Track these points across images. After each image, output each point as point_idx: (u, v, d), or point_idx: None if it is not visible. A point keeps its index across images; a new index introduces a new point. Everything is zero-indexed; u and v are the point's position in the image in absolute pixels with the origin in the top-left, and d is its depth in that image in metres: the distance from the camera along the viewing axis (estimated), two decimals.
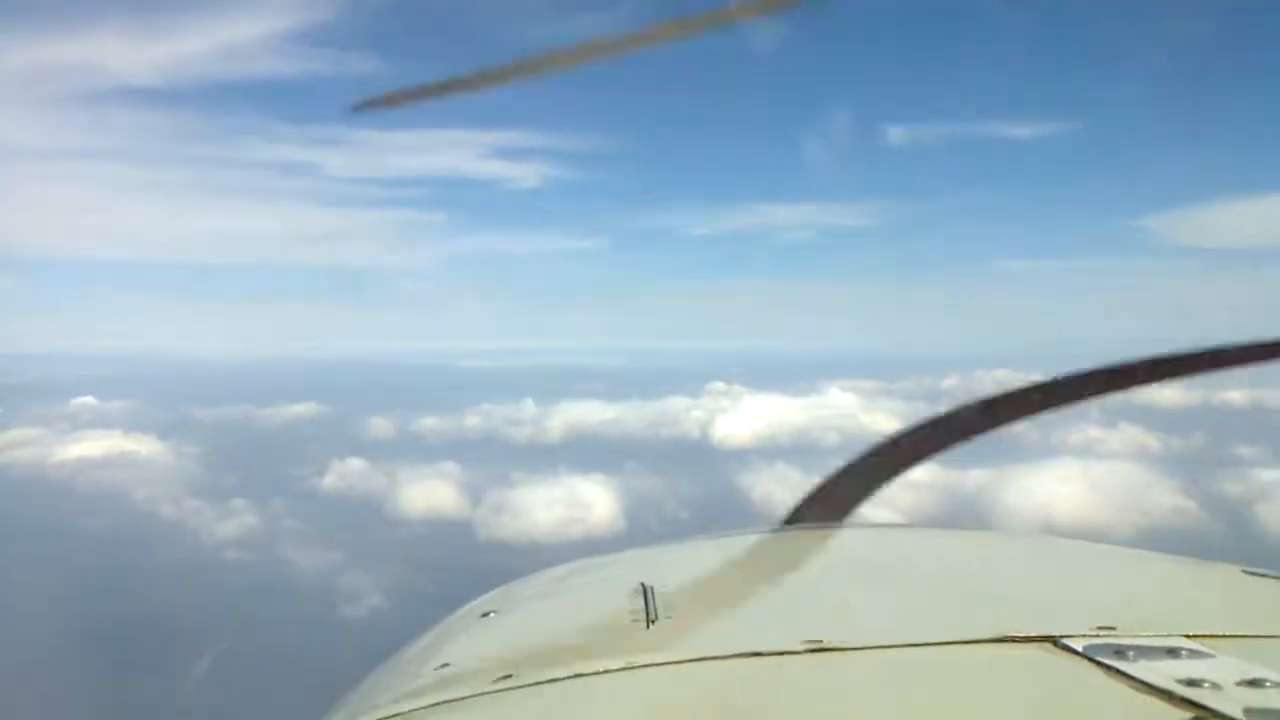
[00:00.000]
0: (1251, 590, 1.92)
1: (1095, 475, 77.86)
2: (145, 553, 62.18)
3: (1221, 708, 1.16)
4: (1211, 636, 1.44)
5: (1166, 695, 1.22)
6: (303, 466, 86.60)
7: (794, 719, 1.27)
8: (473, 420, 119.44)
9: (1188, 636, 1.43)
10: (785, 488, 76.56)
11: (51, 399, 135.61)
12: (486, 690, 1.50)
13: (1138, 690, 1.25)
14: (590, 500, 72.93)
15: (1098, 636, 1.44)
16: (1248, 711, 1.15)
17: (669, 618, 1.73)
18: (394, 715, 1.54)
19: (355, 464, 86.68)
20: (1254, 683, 1.24)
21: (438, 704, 1.52)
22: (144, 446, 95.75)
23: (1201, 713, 1.16)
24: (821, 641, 1.46)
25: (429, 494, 76.27)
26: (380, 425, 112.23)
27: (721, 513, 69.13)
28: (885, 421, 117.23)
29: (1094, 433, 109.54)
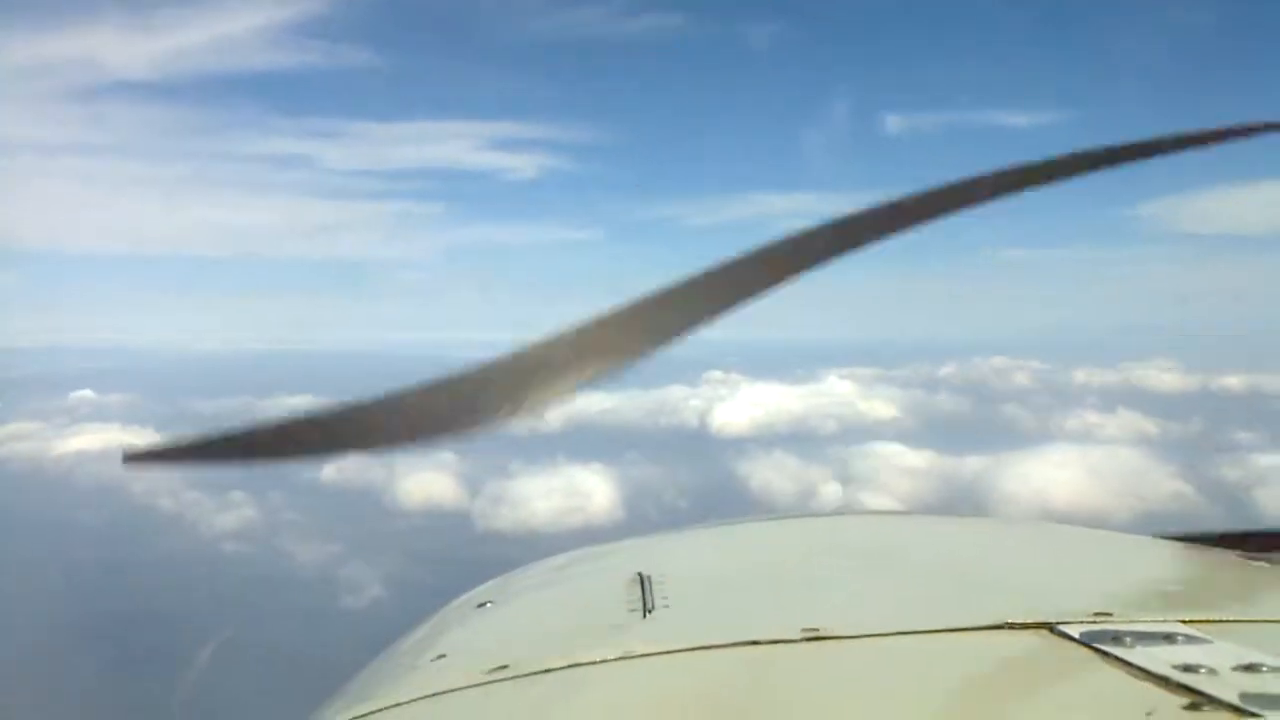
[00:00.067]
0: (1247, 576, 1.93)
1: (1093, 461, 77.94)
2: (144, 546, 62.16)
3: (1217, 693, 1.17)
4: (1208, 622, 1.45)
5: (1163, 681, 1.22)
6: None
7: (791, 707, 1.28)
8: None
9: (1184, 622, 1.44)
10: (784, 475, 76.71)
11: (50, 393, 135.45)
12: (483, 681, 1.50)
13: (1134, 676, 1.25)
14: (589, 490, 73.06)
15: (1094, 623, 1.44)
16: (1244, 696, 1.15)
17: (666, 607, 1.73)
18: (391, 706, 1.54)
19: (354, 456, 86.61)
20: (1250, 667, 1.24)
21: (434, 695, 1.52)
22: (143, 439, 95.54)
23: (1197, 698, 1.17)
24: (819, 630, 1.46)
25: (427, 485, 76.31)
26: None
27: (720, 501, 69.21)
28: (883, 408, 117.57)
29: (1092, 418, 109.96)
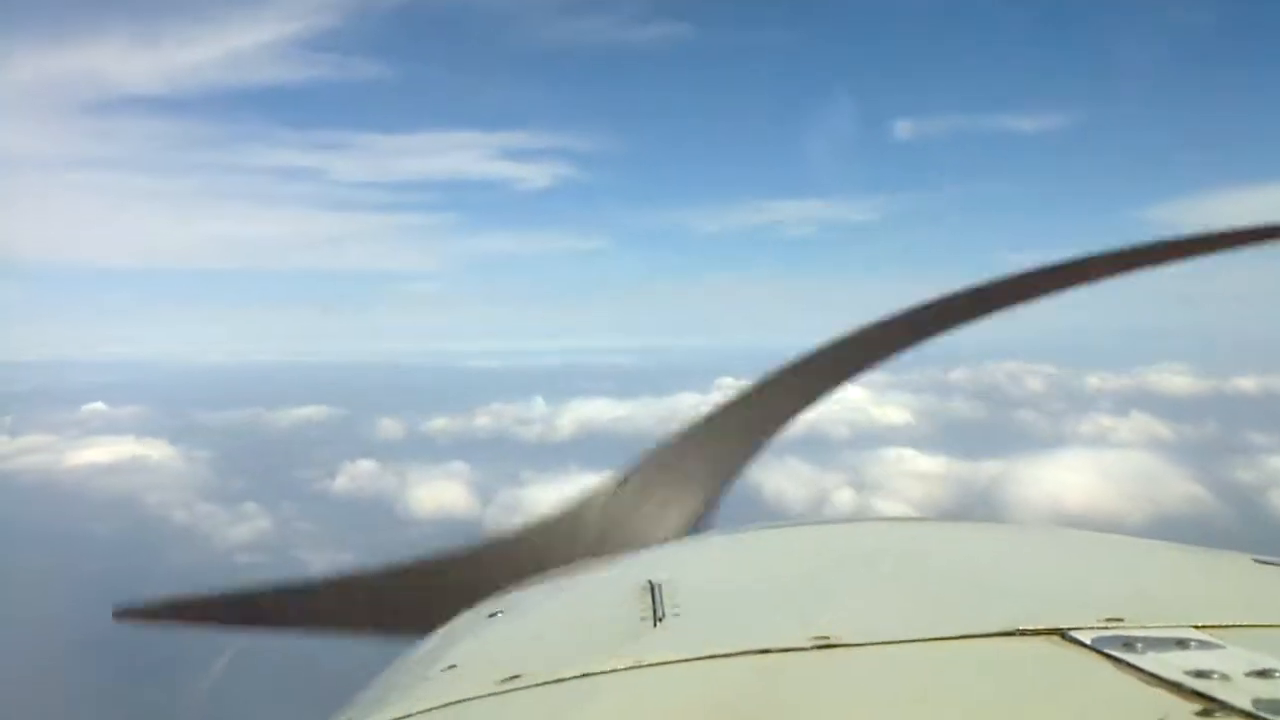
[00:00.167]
0: (1262, 580, 1.90)
1: (1107, 464, 77.72)
2: (157, 557, 62.32)
3: (1231, 699, 1.15)
4: (1221, 627, 1.43)
5: (1175, 687, 1.21)
6: (313, 469, 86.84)
7: (802, 716, 1.27)
8: (482, 420, 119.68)
9: (1196, 627, 1.42)
10: (796, 482, 76.57)
11: (62, 405, 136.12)
12: (494, 691, 1.50)
13: (1146, 682, 1.24)
14: None
15: (1106, 629, 1.43)
16: (1257, 703, 1.14)
17: (677, 615, 1.72)
18: (403, 717, 1.54)
19: (366, 466, 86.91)
20: (1263, 673, 1.22)
21: (445, 705, 1.51)
22: (155, 451, 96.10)
23: (1210, 704, 1.15)
24: (829, 637, 1.46)
25: (439, 494, 76.46)
26: (390, 426, 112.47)
27: (732, 508, 68.83)
28: (896, 413, 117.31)
29: (1105, 422, 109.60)
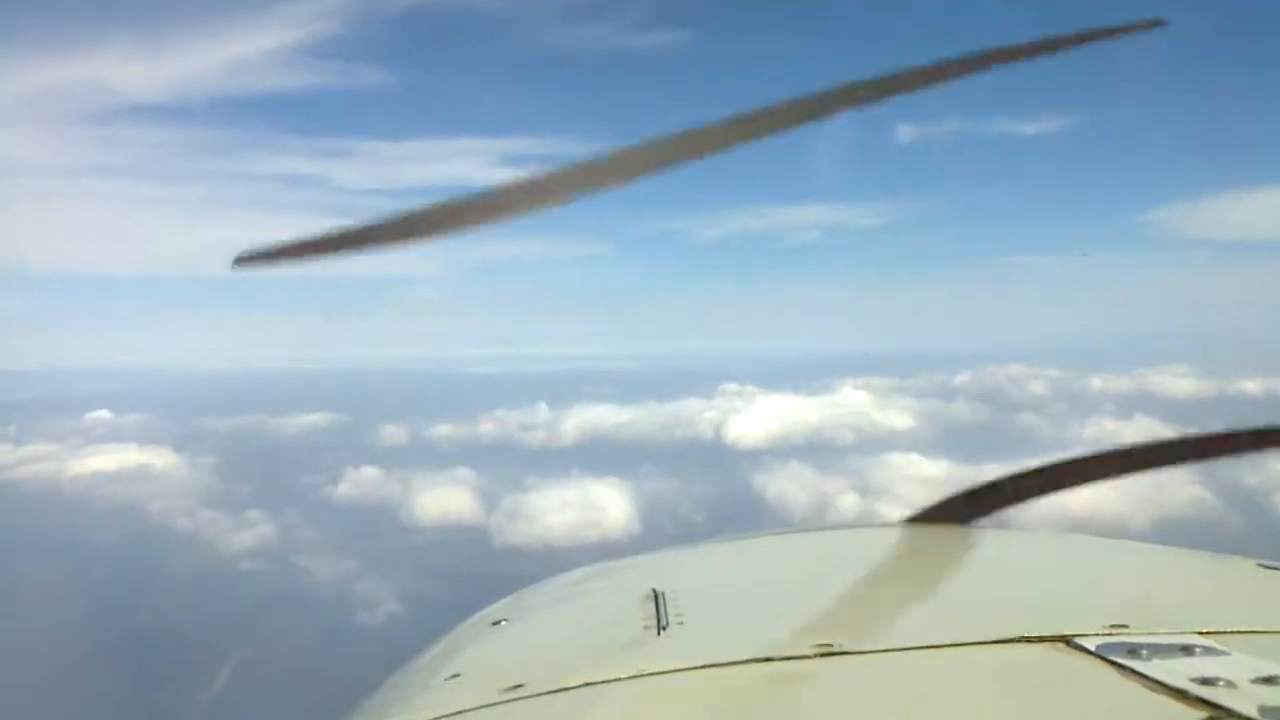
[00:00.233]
0: (1267, 585, 1.89)
1: None
2: (161, 565, 62.37)
3: (1237, 706, 1.14)
4: (1226, 633, 1.43)
5: (1180, 695, 1.20)
6: (317, 476, 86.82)
7: None
8: (486, 426, 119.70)
9: (1202, 634, 1.41)
10: (800, 487, 76.54)
11: (66, 414, 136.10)
12: (497, 700, 1.49)
13: (1151, 690, 1.23)
14: (605, 504, 72.96)
15: (1111, 635, 1.42)
16: (1263, 710, 1.13)
17: (680, 623, 1.71)
18: None
19: (369, 472, 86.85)
20: (1269, 680, 1.22)
21: (449, 715, 1.50)
22: (159, 459, 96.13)
23: (1216, 712, 1.15)
24: (832, 645, 1.45)
25: (443, 500, 76.35)
26: (393, 433, 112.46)
27: (737, 513, 69.08)
28: (898, 418, 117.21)
29: (1109, 425, 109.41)
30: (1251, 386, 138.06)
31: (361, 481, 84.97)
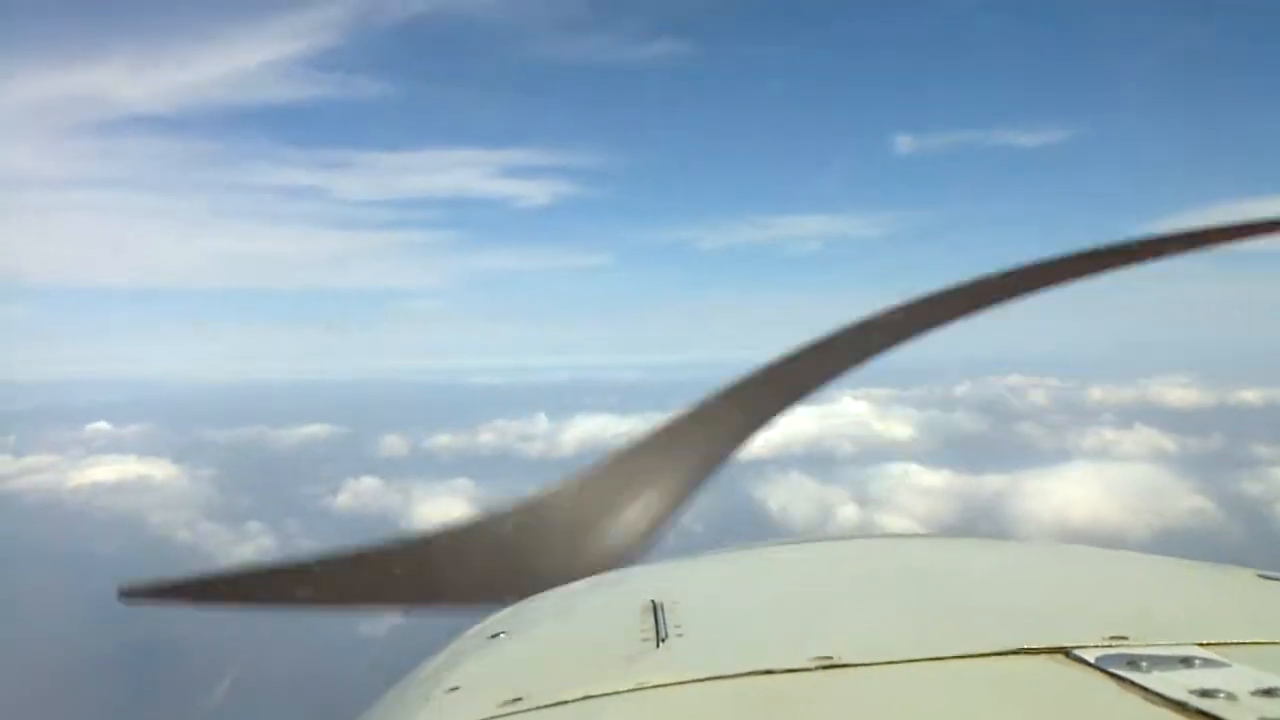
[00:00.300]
0: (1266, 596, 1.88)
1: (1112, 478, 77.57)
2: (161, 577, 62.25)
3: (1236, 719, 1.14)
4: (1225, 645, 1.42)
5: (1180, 707, 1.19)
6: (317, 486, 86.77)
7: None
8: (486, 437, 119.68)
9: (1201, 645, 1.40)
10: (801, 497, 76.50)
11: (66, 425, 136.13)
12: (496, 714, 1.48)
13: (1151, 702, 1.22)
14: None
15: (1110, 647, 1.41)
16: None
17: (680, 635, 1.70)
18: None
19: (369, 483, 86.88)
20: (1269, 692, 1.21)
21: None
22: (159, 470, 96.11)
23: None
24: (832, 658, 1.44)
25: (443, 511, 76.13)
26: (393, 444, 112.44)
27: (736, 523, 68.89)
28: (899, 429, 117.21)
29: (1109, 435, 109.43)
30: (1251, 396, 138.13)
31: (362, 492, 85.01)
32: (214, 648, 44.13)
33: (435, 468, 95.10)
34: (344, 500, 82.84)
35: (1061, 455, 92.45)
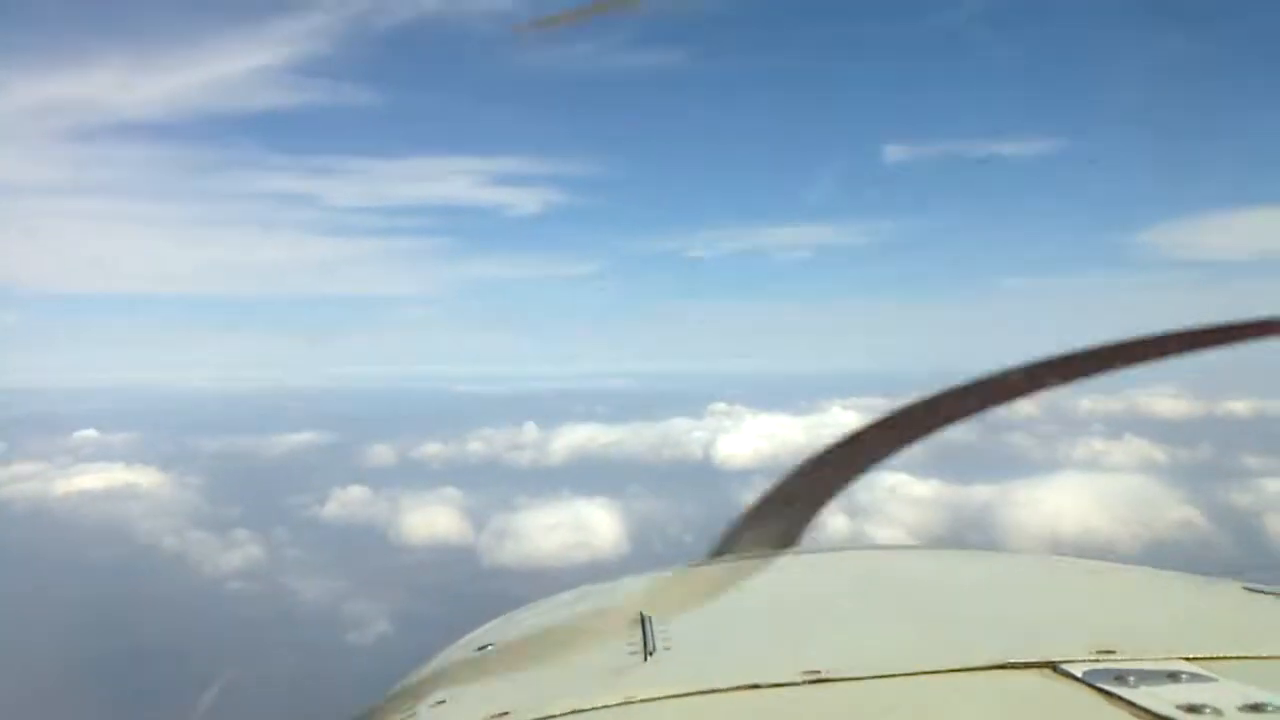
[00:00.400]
0: (1252, 609, 1.89)
1: (1101, 488, 77.71)
2: (149, 585, 61.99)
3: None
4: (1212, 659, 1.42)
5: None
6: (305, 495, 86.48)
7: None
8: (475, 445, 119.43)
9: (1188, 659, 1.41)
10: None
11: (53, 432, 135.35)
12: None
13: (1139, 717, 1.23)
14: (594, 524, 72.84)
15: (1097, 661, 1.41)
16: None
17: (667, 649, 1.70)
18: None
19: (357, 492, 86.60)
20: (1256, 707, 1.22)
21: None
22: (146, 478, 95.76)
23: None
24: (819, 672, 1.44)
25: (432, 520, 76.17)
26: (382, 452, 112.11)
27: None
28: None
29: (1099, 445, 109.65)
30: (1240, 407, 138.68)
31: (349, 501, 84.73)
32: (202, 657, 43.94)
33: (423, 476, 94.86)
34: (332, 509, 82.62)
35: (1051, 465, 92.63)
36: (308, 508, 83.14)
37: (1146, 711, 1.23)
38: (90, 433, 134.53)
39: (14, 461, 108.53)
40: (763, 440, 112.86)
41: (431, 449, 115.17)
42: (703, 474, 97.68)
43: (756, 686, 1.42)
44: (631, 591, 2.48)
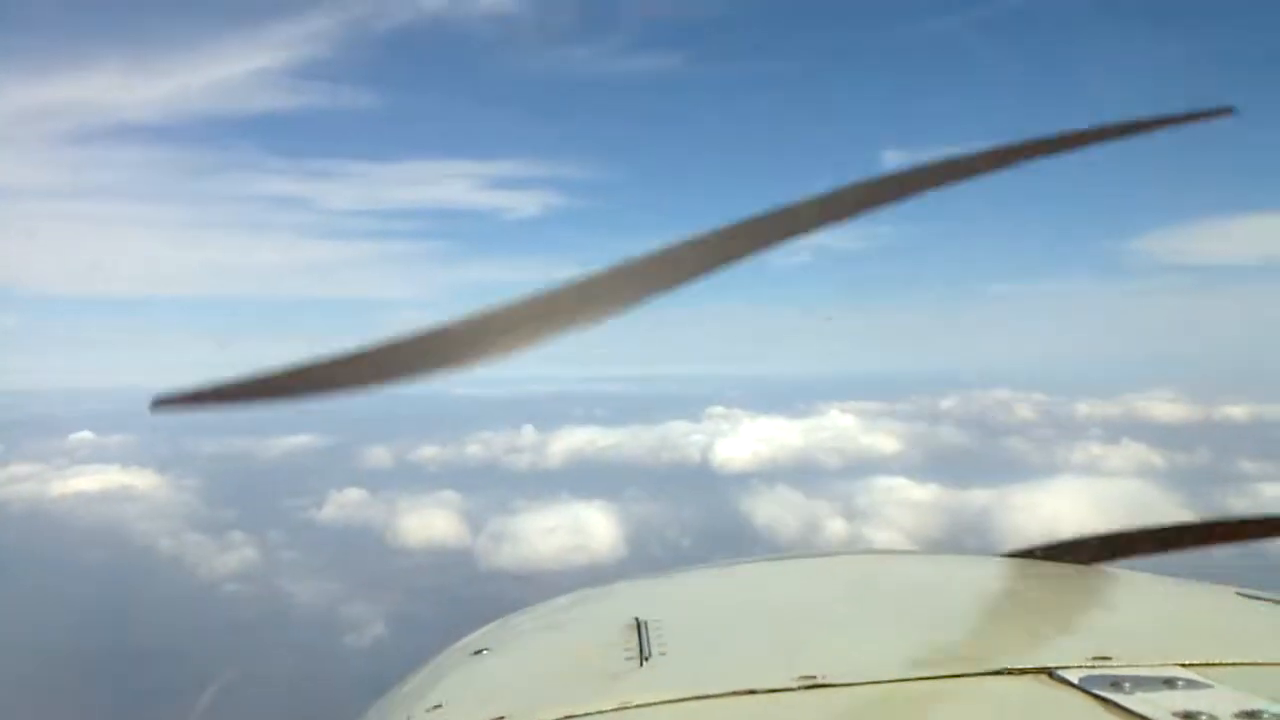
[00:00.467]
0: (1247, 615, 1.89)
1: (1098, 493, 77.68)
2: (145, 587, 61.86)
3: None
4: (1208, 665, 1.43)
5: None
6: (302, 498, 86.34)
7: None
8: (473, 448, 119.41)
9: (1184, 665, 1.41)
10: (787, 511, 76.39)
11: (50, 434, 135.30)
12: None
13: None
14: (592, 527, 72.71)
15: (1093, 668, 1.42)
16: None
17: (663, 654, 1.70)
18: None
19: (354, 494, 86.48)
20: (1251, 714, 1.22)
21: None
22: (142, 480, 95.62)
23: None
24: (815, 677, 1.45)
25: (429, 523, 76.02)
26: (379, 455, 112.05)
27: (724, 537, 68.89)
28: (885, 442, 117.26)
29: (1096, 450, 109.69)
30: (1237, 411, 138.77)
31: (346, 504, 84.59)
32: (198, 659, 43.89)
33: (421, 479, 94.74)
34: (329, 512, 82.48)
35: (1049, 470, 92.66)
36: (304, 510, 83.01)
37: (1142, 718, 1.23)
38: (87, 434, 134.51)
39: (10, 463, 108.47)
40: (760, 443, 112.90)
41: (429, 451, 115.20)
42: (700, 477, 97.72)
43: (752, 691, 1.43)
44: (627, 596, 2.48)
